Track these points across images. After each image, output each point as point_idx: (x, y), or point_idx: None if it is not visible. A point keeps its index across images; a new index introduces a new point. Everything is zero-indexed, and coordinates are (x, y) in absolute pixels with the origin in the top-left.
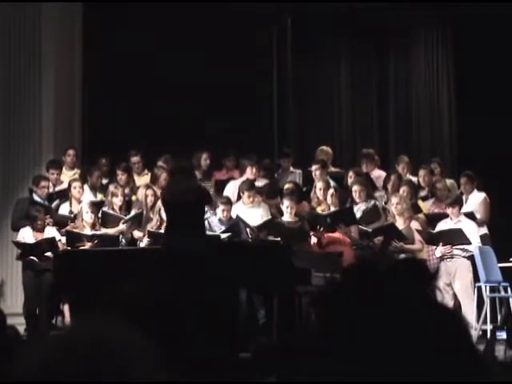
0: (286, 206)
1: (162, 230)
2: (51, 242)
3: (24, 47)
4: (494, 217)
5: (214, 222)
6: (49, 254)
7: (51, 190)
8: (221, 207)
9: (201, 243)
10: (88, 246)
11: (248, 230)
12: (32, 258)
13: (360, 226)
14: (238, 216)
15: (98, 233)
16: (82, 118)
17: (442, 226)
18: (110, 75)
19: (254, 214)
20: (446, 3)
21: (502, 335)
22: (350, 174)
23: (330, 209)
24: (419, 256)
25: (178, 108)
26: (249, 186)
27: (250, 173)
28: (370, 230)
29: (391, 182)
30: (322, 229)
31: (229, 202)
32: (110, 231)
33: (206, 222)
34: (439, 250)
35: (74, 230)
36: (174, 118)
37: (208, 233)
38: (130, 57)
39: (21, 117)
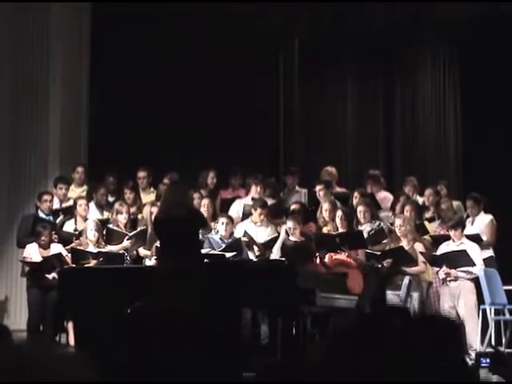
0: (289, 227)
1: None
2: (59, 258)
3: (31, 55)
4: (499, 239)
5: (216, 239)
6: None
7: (57, 207)
8: (221, 220)
9: (195, 266)
10: (93, 263)
11: (255, 247)
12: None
13: (367, 250)
14: (245, 232)
15: (103, 250)
16: (88, 134)
17: (444, 248)
18: (116, 84)
19: (261, 232)
20: (452, 25)
21: (487, 361)
22: (355, 194)
23: (337, 230)
24: (424, 278)
25: (185, 123)
26: (261, 203)
27: (254, 191)
28: (379, 253)
29: (399, 204)
30: (324, 250)
31: (230, 218)
32: (114, 248)
33: (207, 241)
34: (442, 272)
35: (79, 248)
36: (180, 133)
37: (211, 251)
38: (137, 65)
39: (27, 133)
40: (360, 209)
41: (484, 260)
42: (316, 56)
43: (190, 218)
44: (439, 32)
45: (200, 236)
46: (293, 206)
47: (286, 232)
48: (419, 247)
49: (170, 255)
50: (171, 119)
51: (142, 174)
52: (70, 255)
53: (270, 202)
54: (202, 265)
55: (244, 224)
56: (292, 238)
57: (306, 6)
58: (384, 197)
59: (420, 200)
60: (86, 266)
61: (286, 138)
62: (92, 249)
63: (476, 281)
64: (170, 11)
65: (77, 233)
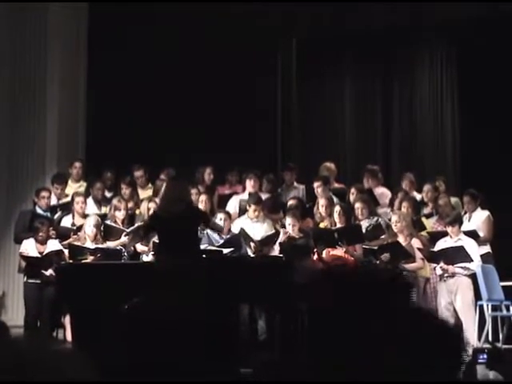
0: (289, 223)
1: None
2: (59, 255)
3: (29, 54)
4: (496, 235)
5: (214, 235)
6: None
7: (55, 203)
8: (219, 216)
9: (193, 262)
10: (91, 259)
11: (251, 244)
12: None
13: (364, 246)
14: (242, 229)
15: (100, 246)
16: (86, 134)
17: (442, 244)
18: (114, 84)
19: (258, 228)
20: (452, 25)
21: (484, 357)
22: (352, 190)
23: (335, 225)
24: (421, 274)
25: (183, 122)
26: (256, 199)
27: (249, 185)
28: (376, 248)
29: (397, 200)
30: (322, 245)
31: (228, 214)
32: (112, 244)
33: (206, 237)
34: (439, 268)
35: (76, 243)
36: (179, 133)
37: (209, 247)
38: (135, 65)
39: (25, 132)
40: (357, 205)
41: (481, 256)
42: (316, 56)
43: (188, 214)
44: (439, 32)
45: (199, 232)
46: (290, 202)
47: (284, 227)
48: (416, 243)
49: (169, 251)
50: (170, 119)
51: (138, 173)
52: (67, 251)
53: (267, 197)
54: (200, 261)
55: (241, 220)
56: (290, 234)
57: (306, 6)
58: (382, 193)
59: (418, 196)
60: (84, 261)
61: (284, 138)
62: (89, 245)
63: (473, 277)
64: (169, 11)
65: (74, 228)
